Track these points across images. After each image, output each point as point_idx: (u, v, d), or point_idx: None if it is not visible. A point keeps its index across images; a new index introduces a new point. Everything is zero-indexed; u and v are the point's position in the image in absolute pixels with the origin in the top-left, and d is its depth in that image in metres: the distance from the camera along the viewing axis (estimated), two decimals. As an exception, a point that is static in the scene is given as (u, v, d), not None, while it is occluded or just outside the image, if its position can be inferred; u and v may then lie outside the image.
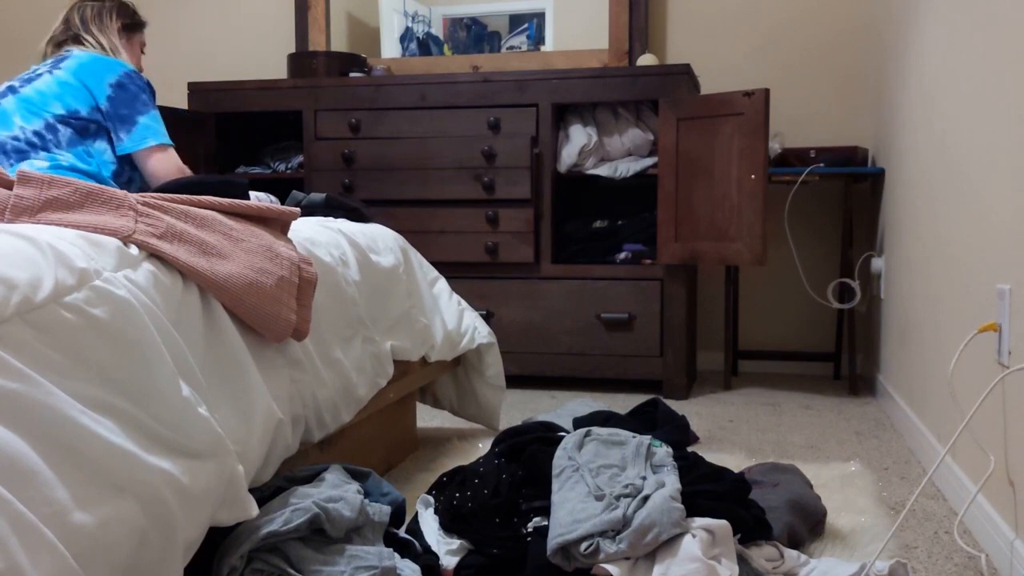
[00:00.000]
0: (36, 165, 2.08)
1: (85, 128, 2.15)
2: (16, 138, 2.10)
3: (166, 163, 2.21)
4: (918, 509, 1.77)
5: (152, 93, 2.27)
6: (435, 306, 2.15)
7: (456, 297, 2.26)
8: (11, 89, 2.18)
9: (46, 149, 2.11)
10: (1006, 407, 1.48)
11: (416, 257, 2.14)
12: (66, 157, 2.11)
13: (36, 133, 2.12)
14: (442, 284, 2.23)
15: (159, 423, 0.99)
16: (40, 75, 2.19)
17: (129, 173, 2.22)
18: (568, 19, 3.47)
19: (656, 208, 2.97)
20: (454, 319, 2.19)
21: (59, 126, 2.13)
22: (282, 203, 2.13)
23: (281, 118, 3.48)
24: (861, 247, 3.21)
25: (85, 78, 2.17)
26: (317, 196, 2.15)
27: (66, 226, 1.08)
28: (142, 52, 2.44)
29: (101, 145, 2.18)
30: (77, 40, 2.29)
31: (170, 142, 2.22)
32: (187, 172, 2.23)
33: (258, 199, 2.08)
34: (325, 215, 2.05)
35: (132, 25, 2.38)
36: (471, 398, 2.34)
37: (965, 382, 1.74)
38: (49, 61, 2.23)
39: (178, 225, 1.20)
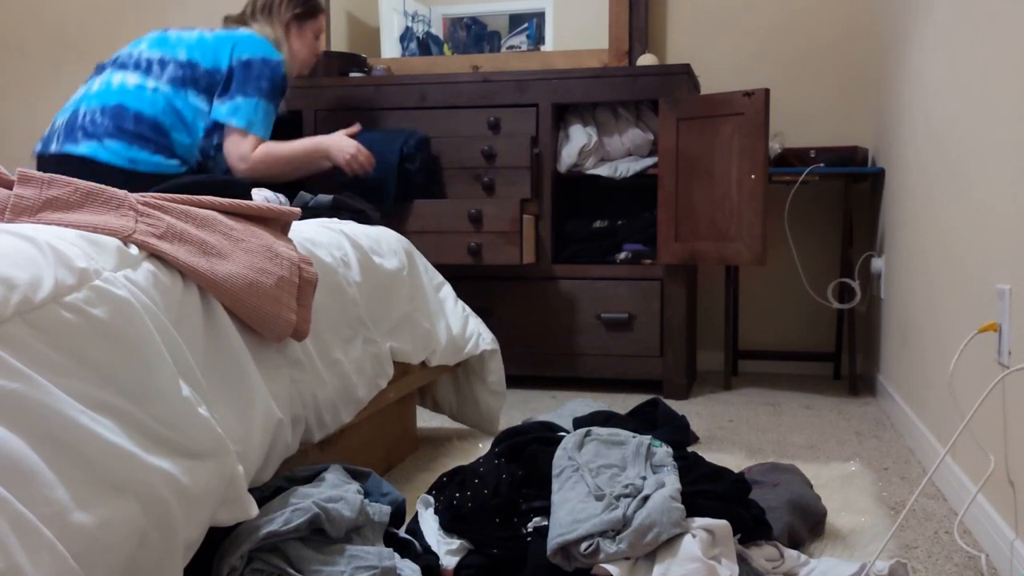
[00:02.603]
0: (128, 80, 2.34)
1: (190, 79, 2.35)
2: (138, 57, 2.38)
3: (236, 146, 2.39)
4: (918, 509, 1.77)
5: (279, 89, 2.45)
6: (440, 310, 2.14)
7: (461, 303, 2.26)
8: (164, 30, 2.47)
9: (149, 73, 2.35)
10: (1006, 407, 1.48)
11: (421, 261, 2.14)
12: (162, 87, 2.34)
13: (149, 60, 2.36)
14: (447, 289, 2.23)
15: (159, 423, 0.99)
16: (196, 29, 2.46)
17: (218, 140, 2.42)
18: (568, 19, 3.47)
19: (656, 208, 2.97)
20: (458, 324, 2.19)
21: (170, 65, 2.35)
22: (291, 204, 2.15)
23: (281, 118, 3.47)
24: (861, 247, 3.20)
25: (225, 47, 2.39)
26: (324, 197, 2.16)
27: (66, 226, 1.08)
28: (316, 38, 2.61)
29: (195, 100, 2.37)
30: (246, 25, 2.52)
31: (256, 133, 2.41)
32: (249, 163, 2.42)
33: (266, 199, 2.09)
34: (332, 217, 2.05)
35: (304, 14, 2.56)
36: (471, 403, 2.33)
37: (965, 382, 1.74)
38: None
39: (178, 225, 1.20)
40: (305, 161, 2.61)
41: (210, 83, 2.40)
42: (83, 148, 2.30)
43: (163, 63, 2.36)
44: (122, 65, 2.39)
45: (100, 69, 2.45)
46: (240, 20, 2.56)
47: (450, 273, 3.02)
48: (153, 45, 2.40)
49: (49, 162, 2.33)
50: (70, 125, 2.34)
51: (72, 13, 3.99)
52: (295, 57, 2.59)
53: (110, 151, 2.29)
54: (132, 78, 2.34)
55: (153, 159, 2.32)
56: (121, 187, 2.34)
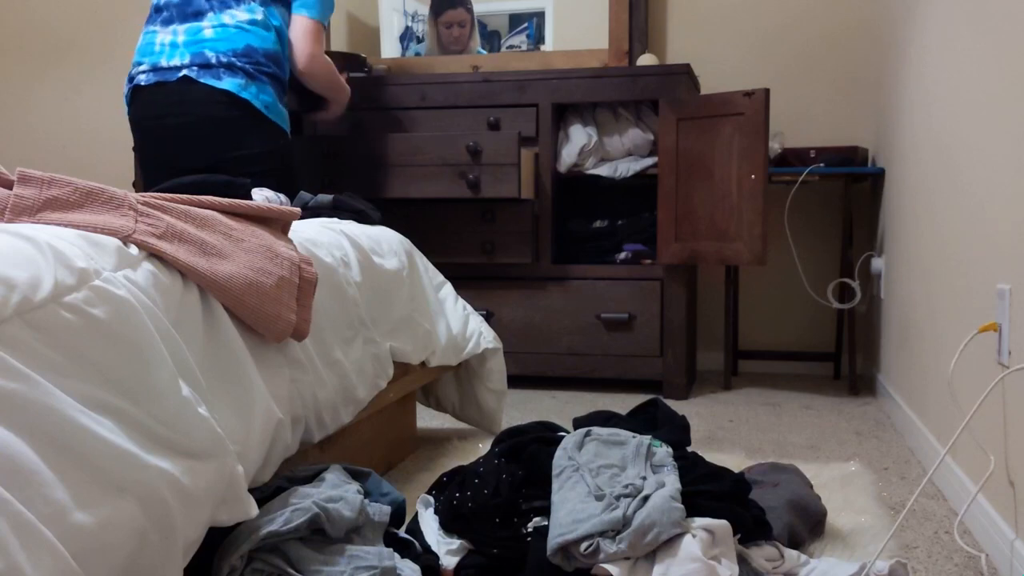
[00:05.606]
0: (236, 16, 2.42)
1: None
2: None
3: (304, 30, 2.49)
4: (918, 509, 1.77)
5: None
6: (440, 310, 2.14)
7: (462, 302, 2.26)
8: None
9: (243, 1, 2.43)
10: (1006, 407, 1.48)
11: (422, 261, 2.14)
12: (259, 12, 2.42)
13: None
14: (448, 289, 2.23)
15: (159, 423, 0.99)
16: None
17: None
18: (568, 19, 3.47)
19: (656, 208, 2.97)
20: (459, 324, 2.19)
21: None
22: (291, 203, 2.14)
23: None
24: (861, 247, 3.20)
25: None
26: (324, 197, 2.15)
27: (66, 226, 1.08)
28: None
29: (279, 9, 2.47)
30: None
31: (321, 20, 2.52)
32: (318, 46, 2.51)
33: (267, 199, 2.09)
34: (332, 217, 2.05)
35: None
36: (473, 402, 2.33)
37: (965, 382, 1.74)
38: None
39: (178, 225, 1.20)
40: (336, 88, 2.69)
41: None
42: None
43: None
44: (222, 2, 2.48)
45: None
46: None
47: (451, 273, 3.02)
48: None
49: None
50: None
51: (70, 15, 3.99)
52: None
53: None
54: (240, 15, 2.45)
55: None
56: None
